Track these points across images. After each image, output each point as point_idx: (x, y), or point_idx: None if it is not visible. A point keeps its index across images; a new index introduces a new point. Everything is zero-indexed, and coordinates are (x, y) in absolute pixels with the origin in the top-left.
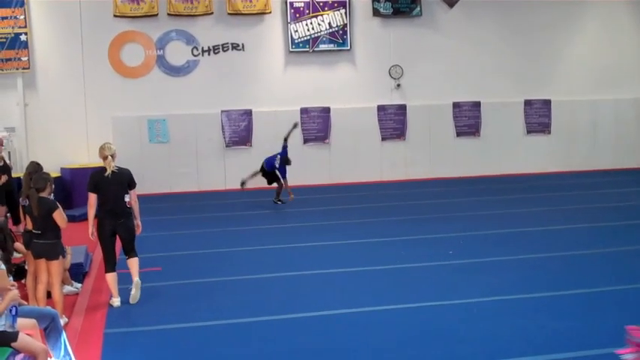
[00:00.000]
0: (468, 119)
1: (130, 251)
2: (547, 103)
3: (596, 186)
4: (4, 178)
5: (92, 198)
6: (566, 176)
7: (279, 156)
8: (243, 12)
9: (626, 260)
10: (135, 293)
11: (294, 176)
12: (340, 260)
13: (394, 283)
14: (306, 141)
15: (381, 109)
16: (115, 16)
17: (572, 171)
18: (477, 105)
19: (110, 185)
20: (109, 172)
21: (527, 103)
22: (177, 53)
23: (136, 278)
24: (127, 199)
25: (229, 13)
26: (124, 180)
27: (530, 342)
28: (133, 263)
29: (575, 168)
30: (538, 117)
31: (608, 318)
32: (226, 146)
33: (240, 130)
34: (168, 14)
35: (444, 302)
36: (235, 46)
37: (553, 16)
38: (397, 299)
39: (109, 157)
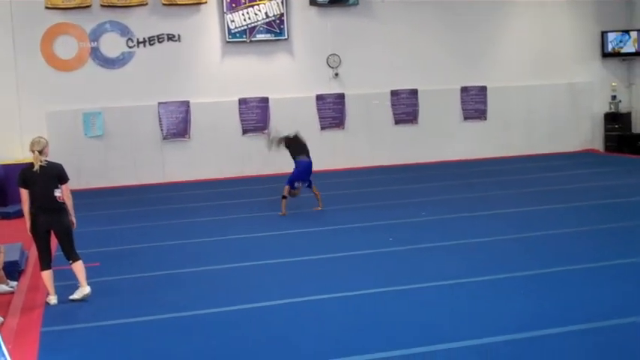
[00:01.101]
0: (405, 107)
1: (69, 252)
2: (483, 90)
3: (532, 170)
4: None
5: (24, 194)
6: (503, 161)
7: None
8: (178, 2)
9: (567, 242)
10: (83, 296)
11: (235, 167)
12: (282, 250)
13: (335, 272)
14: (245, 131)
15: (319, 98)
16: (47, 7)
17: (509, 156)
18: (414, 93)
19: (38, 180)
20: (36, 167)
21: (464, 90)
22: (112, 45)
23: (86, 290)
24: (57, 193)
25: (164, 4)
26: (54, 174)
27: (475, 325)
28: (78, 268)
29: (512, 153)
30: (474, 103)
31: (552, 298)
32: (164, 138)
33: (177, 122)
34: (102, 5)
35: (386, 289)
36: (171, 37)
37: (488, 5)
38: (338, 287)
39: (36, 151)
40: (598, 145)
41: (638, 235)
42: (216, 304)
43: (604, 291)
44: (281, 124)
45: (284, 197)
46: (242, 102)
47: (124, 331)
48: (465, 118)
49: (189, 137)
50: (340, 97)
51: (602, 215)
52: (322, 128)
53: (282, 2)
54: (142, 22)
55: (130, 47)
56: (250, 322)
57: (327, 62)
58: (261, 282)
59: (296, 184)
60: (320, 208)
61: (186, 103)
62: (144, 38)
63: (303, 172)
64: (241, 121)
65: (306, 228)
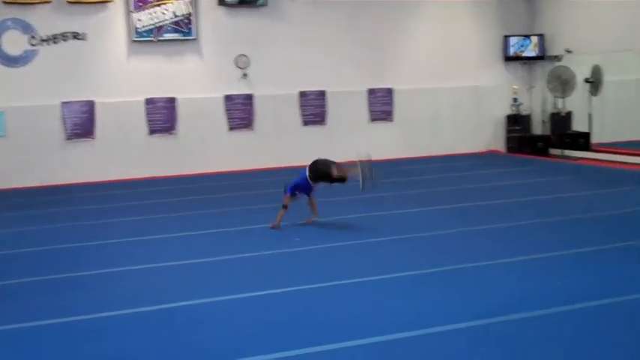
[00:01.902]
0: (314, 108)
1: None
2: (389, 92)
3: (435, 171)
4: None
5: None
6: (409, 162)
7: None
8: (83, 0)
9: (459, 241)
10: None
11: (141, 168)
12: (189, 251)
13: (235, 273)
14: (152, 132)
15: (228, 98)
16: None
17: (415, 157)
18: (322, 94)
19: None
20: None
21: (371, 92)
22: (14, 43)
23: None
24: None
25: (69, 2)
26: None
27: (365, 324)
28: None
29: (418, 154)
30: (381, 105)
31: (438, 296)
32: (67, 139)
33: (82, 122)
34: (4, 2)
35: (294, 288)
36: (76, 36)
37: (394, 8)
38: (246, 288)
39: None
40: (500, 146)
41: (531, 233)
42: (116, 306)
43: (492, 289)
44: (189, 125)
45: (284, 207)
46: (149, 102)
47: (19, 336)
48: (372, 120)
49: (93, 137)
50: (249, 98)
51: (498, 214)
52: (231, 129)
53: (190, 2)
54: (45, 20)
55: (33, 45)
56: (152, 324)
57: (236, 63)
58: (165, 284)
59: (297, 193)
60: (315, 219)
61: (91, 103)
62: (47, 36)
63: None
64: (148, 121)
65: (211, 229)
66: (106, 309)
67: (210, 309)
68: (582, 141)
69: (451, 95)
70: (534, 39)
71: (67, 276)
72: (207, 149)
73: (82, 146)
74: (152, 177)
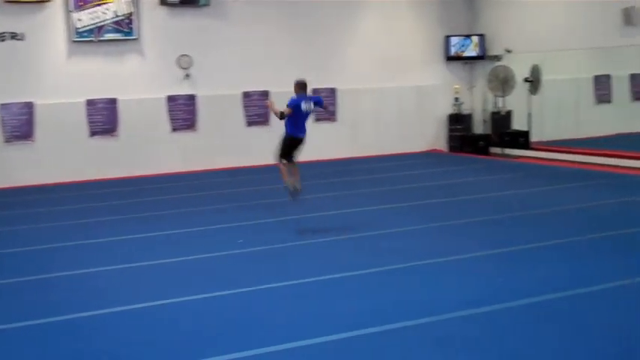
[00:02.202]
0: (258, 108)
1: None
2: (333, 92)
3: (379, 170)
4: None
5: None
6: (353, 161)
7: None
8: (22, 0)
9: (403, 240)
10: None
11: (81, 171)
12: (133, 255)
13: (179, 275)
14: (93, 134)
15: (170, 99)
16: None
17: (359, 156)
18: (265, 94)
19: None
20: None
21: (315, 92)
22: None
23: None
24: None
25: (6, 1)
26: None
27: (323, 322)
28: None
29: (362, 153)
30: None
31: (389, 295)
32: (6, 141)
33: (21, 124)
34: None
35: (235, 290)
36: (14, 36)
37: (338, 9)
38: (196, 290)
39: None
40: (442, 145)
41: (470, 231)
42: (62, 311)
43: (437, 287)
44: (131, 126)
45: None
46: (90, 103)
47: None
48: (316, 120)
49: (33, 140)
50: (191, 99)
51: (440, 213)
52: (173, 130)
53: (131, 1)
54: None
55: None
56: (107, 327)
57: (178, 63)
58: (108, 287)
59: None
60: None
61: (30, 105)
62: None
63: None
64: (89, 122)
65: (155, 232)
66: (55, 313)
67: (163, 311)
68: (522, 139)
69: (394, 95)
70: (475, 39)
71: (10, 282)
72: (149, 151)
73: (22, 149)
74: (94, 179)
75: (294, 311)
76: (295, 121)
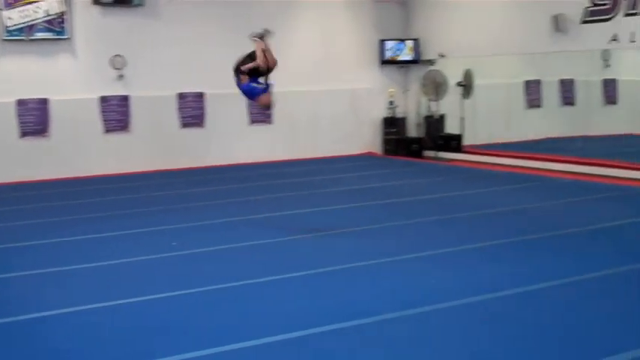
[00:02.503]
0: (192, 110)
1: None
2: None
3: (316, 172)
4: None
5: None
6: (289, 164)
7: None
8: None
9: (351, 240)
10: None
11: (11, 172)
12: (61, 258)
13: (115, 279)
14: (23, 134)
15: (103, 100)
16: None
17: (295, 159)
18: (201, 96)
19: None
20: None
21: None
22: None
23: None
24: None
25: None
26: None
27: (256, 326)
28: None
29: (298, 156)
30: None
31: (323, 298)
32: None
33: None
34: None
35: (171, 293)
36: None
37: (274, 10)
38: (122, 294)
39: None
40: (377, 148)
41: (402, 234)
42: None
43: (370, 289)
44: (63, 127)
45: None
46: (20, 103)
47: None
48: (252, 122)
49: None
50: (125, 100)
51: (372, 215)
52: (107, 131)
53: (63, 0)
54: None
55: None
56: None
57: (112, 63)
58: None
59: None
60: None
61: None
62: None
63: None
64: (20, 123)
65: (88, 234)
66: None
67: (87, 317)
68: (455, 143)
69: (329, 98)
70: (409, 43)
71: None
72: (82, 152)
73: None
74: (24, 181)
75: (211, 316)
76: None
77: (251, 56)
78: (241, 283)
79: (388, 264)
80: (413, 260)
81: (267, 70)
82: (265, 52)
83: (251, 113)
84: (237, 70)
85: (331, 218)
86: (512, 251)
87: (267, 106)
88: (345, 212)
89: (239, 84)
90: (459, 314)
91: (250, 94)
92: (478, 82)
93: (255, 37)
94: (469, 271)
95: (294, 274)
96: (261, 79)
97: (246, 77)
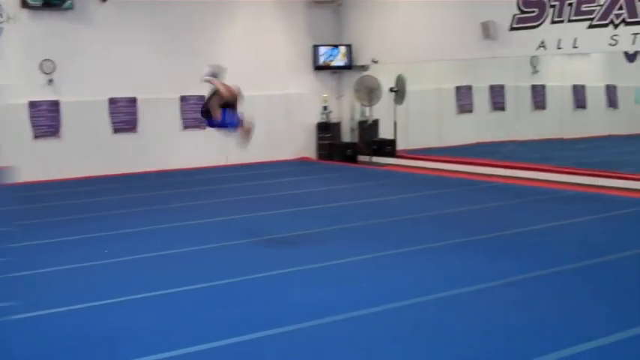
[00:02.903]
0: (124, 115)
1: None
2: (202, 99)
3: (247, 178)
4: None
5: None
6: (221, 169)
7: None
8: None
9: (285, 246)
10: None
11: None
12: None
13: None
14: None
15: (32, 105)
16: None
17: (227, 165)
18: (133, 101)
19: None
20: None
21: (184, 99)
22: None
23: None
24: None
25: None
26: None
27: (194, 331)
28: None
29: (232, 161)
30: (194, 112)
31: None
32: None
33: None
34: None
35: (98, 303)
36: None
37: (206, 17)
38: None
39: None
40: (311, 153)
41: (334, 239)
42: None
43: (301, 295)
44: None
45: None
46: None
47: None
48: (185, 127)
49: None
50: (55, 105)
51: (306, 220)
52: (36, 137)
53: None
54: None
55: None
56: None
57: (41, 68)
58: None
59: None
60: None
61: None
62: None
63: None
64: None
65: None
66: None
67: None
68: (389, 148)
69: (263, 103)
70: (342, 49)
71: None
72: (9, 158)
73: None
74: None
75: (153, 322)
76: None
77: (215, 93)
78: (157, 293)
79: (312, 271)
80: (341, 266)
81: (234, 99)
82: (224, 85)
83: (184, 118)
84: (206, 112)
85: (261, 224)
86: (437, 255)
87: (249, 133)
88: (273, 218)
89: (213, 122)
90: (386, 319)
91: (231, 125)
92: (410, 87)
93: (207, 77)
94: (394, 276)
95: (216, 283)
96: (231, 111)
97: (218, 112)
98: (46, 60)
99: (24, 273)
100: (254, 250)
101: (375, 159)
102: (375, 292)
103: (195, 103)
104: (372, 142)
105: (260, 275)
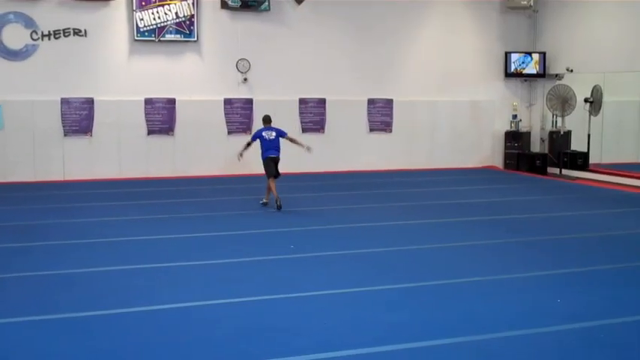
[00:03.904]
0: (313, 115)
1: None
2: (389, 103)
3: (433, 184)
4: None
5: None
6: (407, 174)
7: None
8: None
9: (463, 255)
10: None
11: (136, 168)
12: (178, 253)
13: (235, 277)
14: (150, 132)
15: (227, 102)
16: None
17: (412, 169)
18: (322, 102)
19: None
20: None
21: (371, 102)
22: (16, 36)
23: None
24: None
25: None
26: None
27: (365, 334)
28: None
29: (415, 166)
30: (380, 116)
31: (443, 310)
32: (65, 135)
33: (80, 119)
34: None
35: (280, 296)
36: (77, 32)
37: (397, 19)
38: (233, 293)
39: None
40: (498, 162)
41: (517, 251)
42: (106, 306)
43: (493, 305)
44: (187, 127)
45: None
46: (148, 102)
47: (4, 331)
48: (371, 130)
49: (91, 135)
50: (248, 103)
51: (492, 230)
52: (229, 133)
53: (192, 3)
54: (47, 15)
55: (34, 40)
56: (135, 325)
57: (237, 66)
58: (151, 286)
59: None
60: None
61: (91, 100)
62: (49, 31)
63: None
64: (147, 121)
65: (207, 232)
66: (91, 308)
67: (201, 313)
68: (580, 161)
69: (450, 109)
70: (536, 56)
71: (56, 273)
72: (205, 152)
73: (79, 143)
74: (148, 177)
75: (329, 320)
76: (264, 146)
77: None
78: (346, 290)
79: (498, 282)
80: (527, 279)
81: None
82: None
83: (370, 121)
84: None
85: (441, 230)
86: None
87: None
88: (452, 225)
89: None
90: (577, 337)
91: None
92: (607, 98)
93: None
94: (587, 294)
95: (401, 286)
96: None
97: None
98: (241, 59)
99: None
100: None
101: (566, 171)
102: (567, 310)
103: (382, 107)
104: (564, 153)
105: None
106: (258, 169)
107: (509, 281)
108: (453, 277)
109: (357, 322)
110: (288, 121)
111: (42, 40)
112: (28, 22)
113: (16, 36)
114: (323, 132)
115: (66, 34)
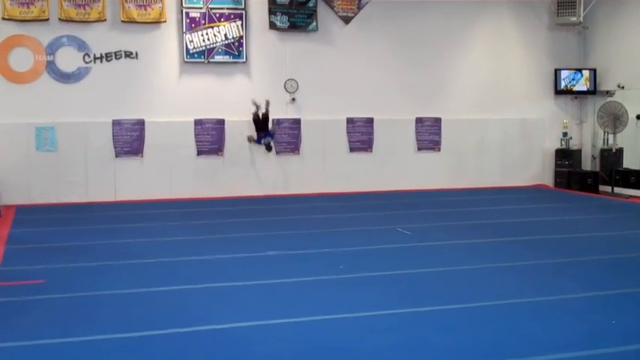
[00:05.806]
0: (361, 135)
1: None
2: (438, 121)
3: (482, 203)
4: None
5: None
6: (456, 193)
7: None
8: (137, 20)
9: (506, 276)
10: None
11: (186, 189)
12: (235, 274)
13: (287, 298)
14: (199, 153)
15: (276, 122)
16: (4, 19)
17: (461, 188)
18: (370, 121)
19: None
20: None
21: (419, 121)
22: (68, 59)
23: None
24: None
25: (123, 21)
26: None
27: (423, 357)
28: None
29: (465, 185)
30: (429, 134)
31: (491, 331)
32: (116, 156)
33: (131, 140)
34: (60, 19)
35: (335, 316)
36: (129, 54)
37: (447, 39)
38: (288, 313)
39: None
40: (548, 180)
41: (574, 271)
42: (156, 326)
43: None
44: (236, 147)
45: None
46: (197, 123)
47: (58, 351)
48: (419, 149)
49: (142, 155)
50: (296, 123)
51: (545, 250)
52: (277, 153)
53: (241, 25)
54: (99, 38)
55: (87, 62)
56: (192, 344)
57: (285, 87)
58: (211, 306)
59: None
60: None
61: (141, 122)
62: (101, 54)
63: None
64: (196, 142)
65: (254, 252)
66: (140, 328)
67: (257, 332)
68: (633, 179)
69: (499, 127)
70: (586, 73)
71: (108, 293)
72: (252, 173)
73: (130, 164)
74: (198, 198)
75: (387, 341)
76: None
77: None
78: (395, 312)
79: (551, 303)
80: (580, 300)
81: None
82: None
83: (418, 140)
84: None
85: (491, 251)
86: None
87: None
88: (494, 246)
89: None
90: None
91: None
92: None
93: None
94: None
95: (449, 307)
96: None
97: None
98: (290, 79)
99: (277, 281)
100: (474, 278)
101: (618, 189)
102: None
103: (431, 125)
104: (616, 171)
105: (493, 303)
106: (304, 189)
107: (563, 302)
108: (508, 297)
109: (413, 344)
110: (336, 140)
111: (94, 62)
112: (81, 45)
113: (69, 59)
114: (371, 151)
115: (117, 56)
